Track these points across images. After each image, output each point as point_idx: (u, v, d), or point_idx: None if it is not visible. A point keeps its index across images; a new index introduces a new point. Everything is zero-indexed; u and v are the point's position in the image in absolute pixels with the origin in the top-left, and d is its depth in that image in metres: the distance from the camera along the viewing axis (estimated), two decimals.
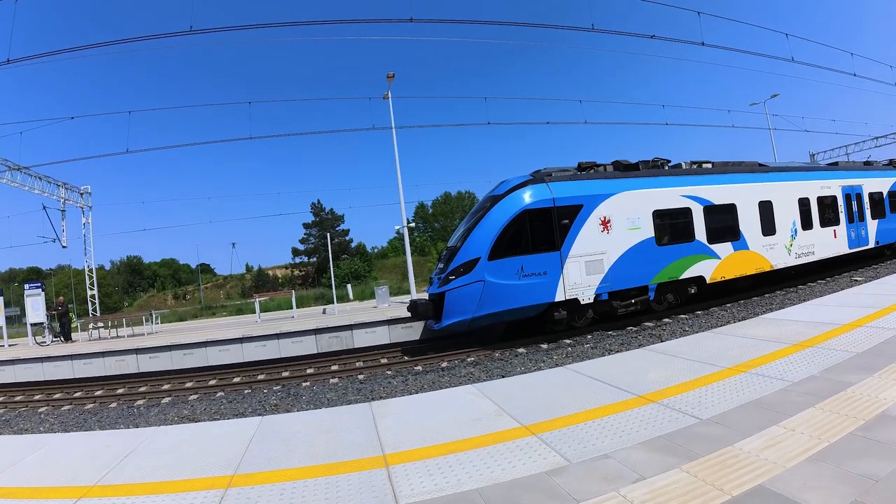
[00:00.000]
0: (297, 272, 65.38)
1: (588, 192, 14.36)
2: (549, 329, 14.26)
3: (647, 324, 14.89)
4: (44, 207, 28.04)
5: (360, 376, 12.79)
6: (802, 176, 19.31)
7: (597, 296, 14.17)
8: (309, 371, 14.14)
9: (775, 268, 17.46)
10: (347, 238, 63.30)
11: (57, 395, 14.38)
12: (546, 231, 13.66)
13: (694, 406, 4.79)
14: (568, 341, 13.80)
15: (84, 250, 29.97)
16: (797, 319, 8.27)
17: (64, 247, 29.26)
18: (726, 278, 16.26)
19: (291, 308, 25.25)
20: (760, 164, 18.95)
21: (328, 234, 26.46)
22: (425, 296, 15.32)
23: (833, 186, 19.99)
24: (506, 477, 3.70)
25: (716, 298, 16.74)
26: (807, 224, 18.62)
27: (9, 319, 23.50)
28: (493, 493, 3.46)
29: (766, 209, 17.35)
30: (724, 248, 16.22)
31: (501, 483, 3.60)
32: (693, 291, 15.86)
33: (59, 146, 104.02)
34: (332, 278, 25.19)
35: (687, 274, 15.48)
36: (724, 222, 16.36)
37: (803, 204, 18.59)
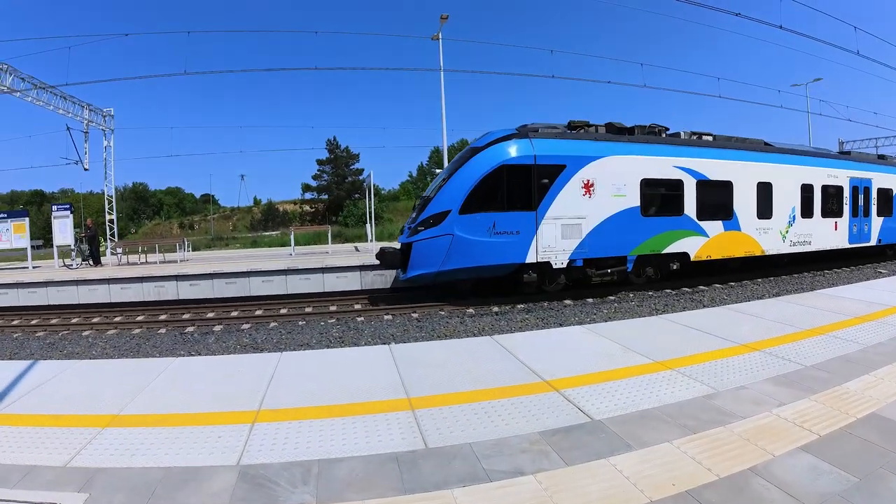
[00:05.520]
0: (307, 208, 65.67)
1: (573, 152, 13.93)
2: (518, 290, 14.23)
3: (685, 289, 15.54)
4: (68, 128, 27.84)
5: (415, 314, 13.14)
6: (809, 161, 18.56)
7: (571, 261, 14.00)
8: (357, 307, 14.49)
9: (767, 253, 17.05)
10: (361, 178, 63.27)
11: (96, 319, 14.31)
12: (523, 189, 13.37)
13: (793, 355, 5.65)
14: (613, 298, 14.37)
15: (104, 174, 30.06)
16: (850, 297, 9.09)
17: (86, 169, 29.30)
18: (712, 258, 15.95)
19: (309, 244, 25.52)
20: (766, 144, 18.31)
21: (370, 173, 26.53)
22: None
23: (840, 176, 19.31)
24: (670, 400, 4.50)
25: (732, 274, 17.02)
26: (807, 212, 18.05)
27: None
28: (669, 411, 4.26)
29: (764, 191, 16.81)
30: (713, 227, 15.83)
31: (671, 404, 4.40)
32: (675, 267, 15.61)
33: (99, 66, 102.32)
34: (371, 215, 25.40)
35: (670, 249, 15.19)
36: (717, 199, 15.94)
37: (806, 190, 18.00)
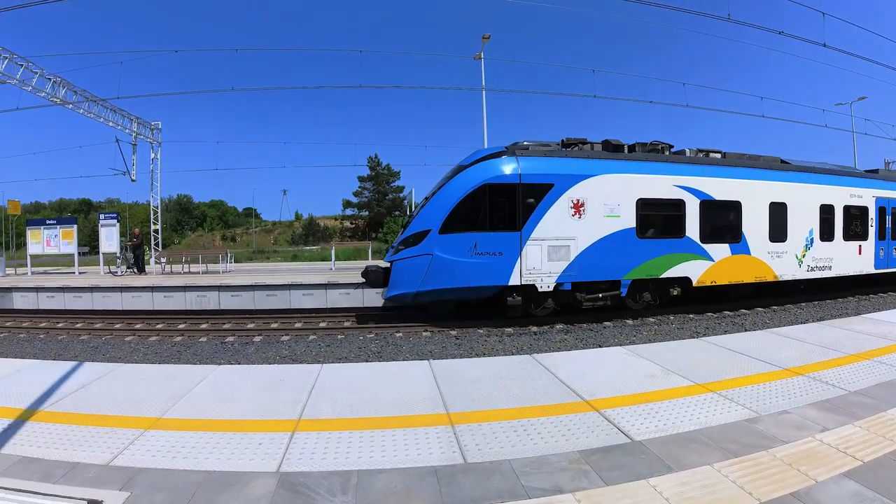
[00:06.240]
0: (347, 224, 66.51)
1: (562, 171, 13.40)
2: (505, 313, 13.74)
3: (726, 312, 15.17)
4: (117, 140, 28.84)
5: (453, 332, 13.02)
6: (829, 180, 17.34)
7: (558, 285, 13.43)
8: (395, 322, 14.35)
9: (780, 279, 15.96)
10: (402, 195, 63.55)
11: (138, 325, 14.75)
12: (507, 208, 12.93)
13: (837, 381, 5.54)
14: (653, 320, 14.07)
15: (151, 185, 30.99)
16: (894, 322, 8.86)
17: (133, 180, 30.28)
18: (717, 283, 15.02)
19: (349, 259, 25.79)
20: (783, 161, 17.19)
21: (412, 190, 26.64)
22: None
23: (865, 196, 18.03)
24: (712, 422, 4.44)
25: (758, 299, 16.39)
26: (827, 235, 16.89)
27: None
28: (711, 434, 4.21)
29: (778, 212, 15.80)
30: (719, 250, 14.96)
31: (712, 427, 4.35)
32: (675, 293, 14.80)
33: (149, 81, 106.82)
34: None
35: (670, 273, 14.37)
36: (724, 221, 15.14)
37: (826, 211, 16.86)
